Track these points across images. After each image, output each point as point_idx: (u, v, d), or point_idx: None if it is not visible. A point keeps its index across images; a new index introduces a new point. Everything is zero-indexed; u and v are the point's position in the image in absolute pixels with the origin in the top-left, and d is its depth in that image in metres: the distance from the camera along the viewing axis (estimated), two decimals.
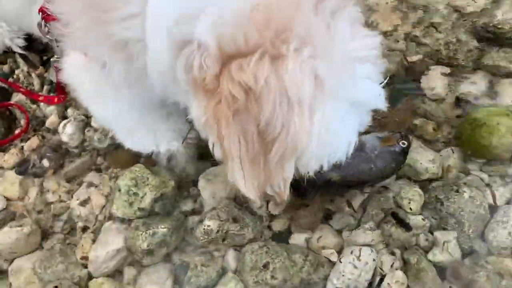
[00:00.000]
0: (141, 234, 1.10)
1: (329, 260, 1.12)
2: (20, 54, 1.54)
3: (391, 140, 1.09)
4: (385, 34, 1.57)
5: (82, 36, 0.85)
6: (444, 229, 1.13)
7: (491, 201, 1.16)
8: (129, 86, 0.91)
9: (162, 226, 1.12)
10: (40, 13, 0.97)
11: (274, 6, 0.68)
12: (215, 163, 1.25)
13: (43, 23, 0.98)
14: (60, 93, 1.25)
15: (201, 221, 1.14)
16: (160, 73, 0.78)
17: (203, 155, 1.26)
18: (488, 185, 1.20)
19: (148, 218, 1.15)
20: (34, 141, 1.39)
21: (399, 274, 1.07)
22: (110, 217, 1.20)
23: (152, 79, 0.80)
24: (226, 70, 0.68)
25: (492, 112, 1.25)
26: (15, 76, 1.53)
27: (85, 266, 1.14)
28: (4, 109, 1.46)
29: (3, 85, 1.51)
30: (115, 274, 1.14)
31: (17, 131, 1.42)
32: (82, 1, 0.81)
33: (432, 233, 1.13)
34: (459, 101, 1.36)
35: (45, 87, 1.51)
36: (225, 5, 0.69)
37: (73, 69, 1.00)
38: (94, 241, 1.17)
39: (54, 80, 1.45)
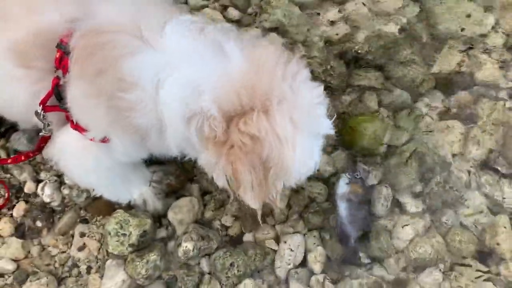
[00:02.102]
0: (139, 263, 1.51)
1: (272, 249, 1.61)
2: None
3: None
4: None
5: (104, 128, 1.21)
6: None
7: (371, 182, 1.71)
8: (130, 157, 1.30)
9: (152, 254, 1.53)
10: (41, 105, 1.24)
11: (255, 76, 1.04)
12: (178, 197, 1.67)
13: (42, 112, 1.25)
14: (36, 150, 1.49)
15: (179, 245, 1.56)
16: (177, 139, 1.13)
17: (167, 193, 1.67)
18: (368, 171, 1.75)
19: (139, 251, 1.55)
20: (20, 207, 1.69)
21: (320, 248, 1.60)
22: (109, 256, 1.57)
23: (170, 144, 1.15)
24: (233, 125, 1.03)
25: (360, 120, 1.79)
26: None
27: None
28: None
29: None
30: None
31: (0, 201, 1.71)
32: (106, 107, 1.13)
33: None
34: (338, 114, 1.88)
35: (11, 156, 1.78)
36: (219, 84, 1.04)
37: (67, 147, 1.33)
38: (101, 277, 1.55)
39: (19, 149, 1.74)
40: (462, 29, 2.00)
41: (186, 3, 2.20)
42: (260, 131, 1.02)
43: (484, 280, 1.54)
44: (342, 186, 1.62)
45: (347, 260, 1.59)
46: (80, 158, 1.36)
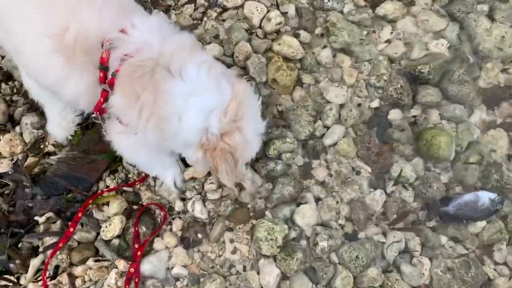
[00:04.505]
0: (291, 261, 1.97)
1: (380, 242, 2.11)
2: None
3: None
4: (352, 86, 2.45)
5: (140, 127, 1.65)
6: None
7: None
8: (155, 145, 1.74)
9: (299, 254, 1.99)
10: (97, 112, 1.73)
11: (236, 105, 1.61)
12: (298, 204, 2.12)
13: (98, 116, 1.75)
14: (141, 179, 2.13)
15: (316, 244, 2.03)
16: (182, 141, 1.65)
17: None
18: (439, 173, 2.26)
19: (285, 251, 2.01)
20: (177, 222, 2.09)
21: (417, 238, 2.11)
22: (258, 256, 2.02)
23: (174, 143, 1.67)
24: (221, 139, 1.61)
25: (434, 133, 2.27)
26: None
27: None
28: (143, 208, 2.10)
29: (128, 189, 2.13)
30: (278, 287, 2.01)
31: (158, 220, 2.10)
32: (147, 115, 1.61)
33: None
34: (411, 126, 2.36)
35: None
36: (219, 112, 1.59)
37: (115, 134, 1.80)
38: (257, 273, 2.00)
39: None
40: (500, 49, 2.49)
41: (260, 27, 2.55)
42: (237, 143, 1.64)
43: None
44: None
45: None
46: (123, 142, 1.84)
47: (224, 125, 1.61)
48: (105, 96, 1.69)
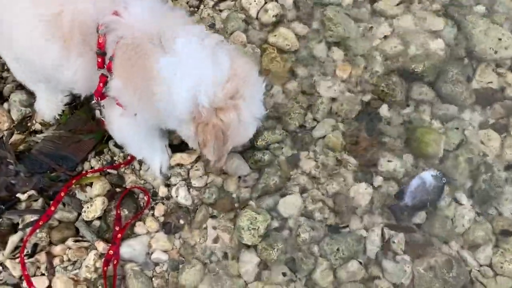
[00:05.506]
0: (272, 251, 1.95)
1: (363, 236, 2.09)
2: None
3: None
4: (345, 81, 2.43)
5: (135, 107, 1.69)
6: None
7: None
8: (147, 124, 1.80)
9: (279, 244, 1.97)
10: (98, 97, 1.72)
11: (234, 82, 1.60)
12: (282, 195, 2.10)
13: (98, 100, 1.74)
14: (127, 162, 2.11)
15: (298, 235, 2.01)
16: (175, 116, 1.66)
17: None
18: (424, 169, 2.22)
19: (266, 241, 1.98)
20: (160, 208, 2.07)
21: (401, 235, 2.08)
22: (240, 245, 1.99)
23: (168, 119, 1.71)
24: (215, 113, 1.60)
25: (424, 132, 2.26)
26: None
27: (239, 277, 1.96)
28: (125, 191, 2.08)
29: (112, 171, 2.12)
30: (258, 276, 1.98)
31: (141, 204, 2.08)
32: (139, 94, 1.64)
33: None
34: (402, 122, 2.34)
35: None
36: (213, 87, 1.58)
37: (113, 117, 1.81)
38: (237, 261, 1.98)
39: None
40: (495, 52, 2.46)
41: (257, 18, 2.53)
42: (231, 120, 1.62)
43: None
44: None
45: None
46: (120, 124, 1.85)
47: (219, 100, 1.59)
48: (104, 81, 1.68)
